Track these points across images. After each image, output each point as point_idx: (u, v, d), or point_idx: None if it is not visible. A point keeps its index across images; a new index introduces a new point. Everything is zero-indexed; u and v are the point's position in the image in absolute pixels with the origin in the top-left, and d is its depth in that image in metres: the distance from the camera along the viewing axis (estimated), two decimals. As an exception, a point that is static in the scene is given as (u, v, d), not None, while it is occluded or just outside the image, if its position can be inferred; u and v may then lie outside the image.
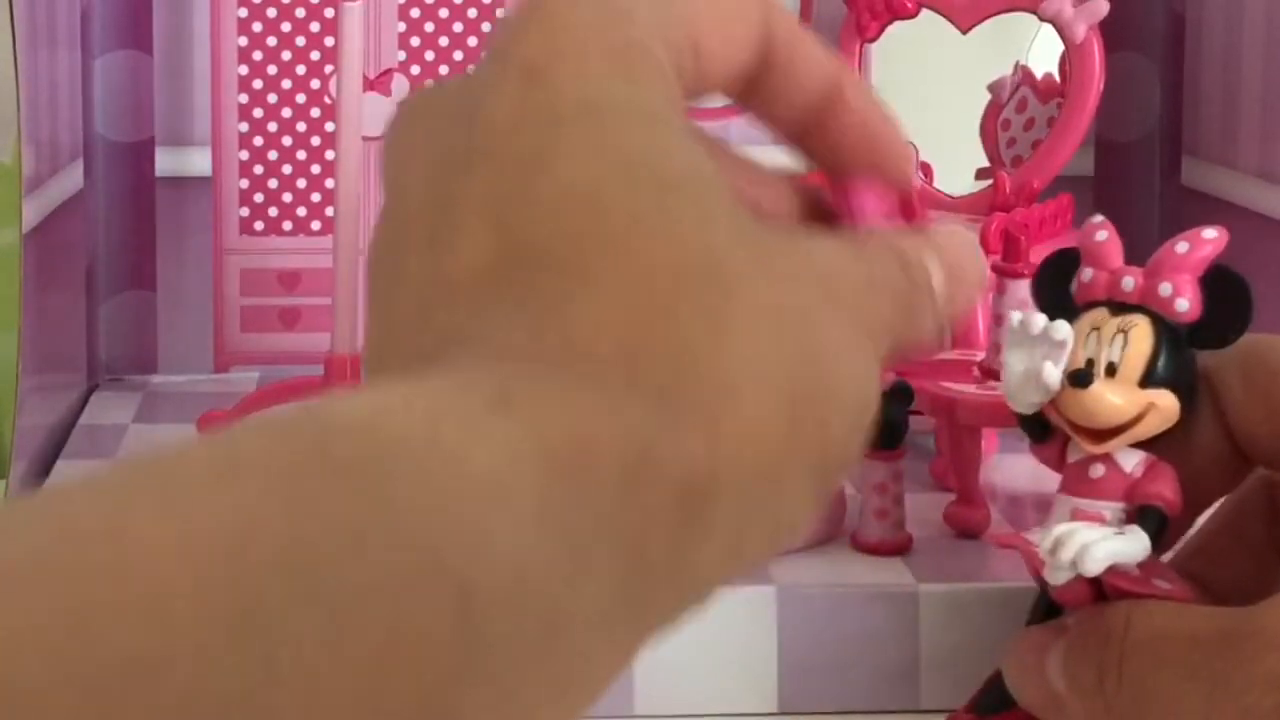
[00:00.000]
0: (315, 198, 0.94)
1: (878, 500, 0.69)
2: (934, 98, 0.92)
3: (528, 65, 0.34)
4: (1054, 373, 0.55)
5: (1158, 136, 0.96)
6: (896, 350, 0.37)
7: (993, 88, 0.90)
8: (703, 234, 0.33)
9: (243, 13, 0.93)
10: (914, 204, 0.42)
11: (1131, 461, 0.55)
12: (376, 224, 0.35)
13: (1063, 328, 0.55)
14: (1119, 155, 0.97)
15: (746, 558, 0.32)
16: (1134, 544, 0.54)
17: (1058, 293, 0.57)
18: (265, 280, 0.94)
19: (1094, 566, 0.52)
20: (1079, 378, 0.54)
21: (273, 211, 0.94)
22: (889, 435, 0.69)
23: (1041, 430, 0.57)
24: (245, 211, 0.94)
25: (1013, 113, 0.90)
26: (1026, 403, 0.56)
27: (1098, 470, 0.55)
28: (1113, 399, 0.54)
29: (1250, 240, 0.61)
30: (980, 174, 0.91)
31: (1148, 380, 0.54)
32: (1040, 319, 0.55)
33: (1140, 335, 0.55)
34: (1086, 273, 0.57)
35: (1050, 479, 0.70)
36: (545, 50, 0.34)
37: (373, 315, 0.34)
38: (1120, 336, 0.55)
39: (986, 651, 0.67)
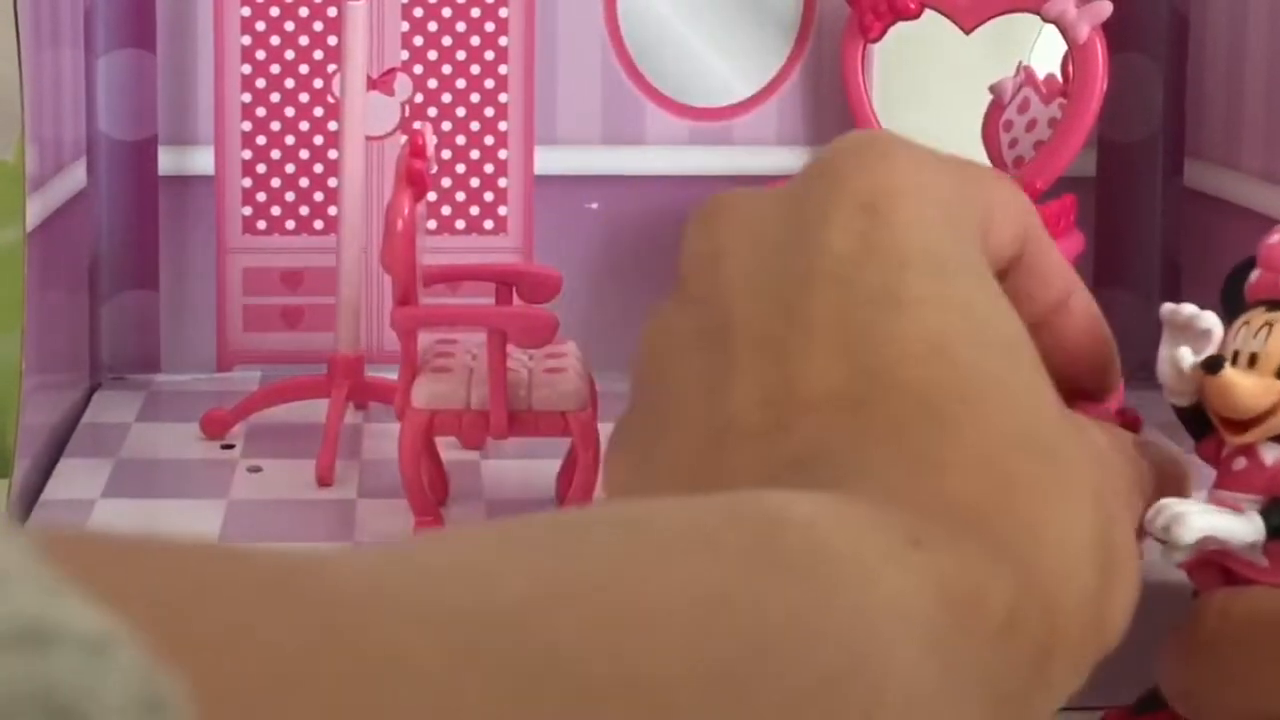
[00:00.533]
0: (318, 197, 0.94)
1: None
2: (936, 98, 0.92)
3: (866, 199, 0.36)
4: (1187, 355, 0.55)
5: (1161, 137, 0.96)
6: None
7: (994, 89, 0.90)
8: (1038, 400, 0.35)
9: (246, 11, 0.93)
10: (1135, 417, 0.46)
11: (1274, 455, 0.55)
12: (670, 308, 0.37)
13: (1208, 317, 0.56)
14: (1122, 156, 0.97)
15: (1071, 689, 0.35)
16: (1241, 524, 0.54)
17: (1235, 296, 0.58)
18: (268, 279, 0.94)
19: (1187, 535, 0.53)
20: (1211, 364, 0.54)
21: (275, 210, 0.94)
22: None
23: (1200, 427, 0.57)
24: (248, 210, 0.94)
25: (1015, 113, 0.90)
26: (1175, 391, 0.57)
27: (1240, 463, 0.55)
28: (1245, 384, 0.54)
29: (1253, 242, 0.61)
30: (983, 174, 0.90)
31: None
32: (1190, 308, 0.56)
33: None
34: (1254, 274, 0.58)
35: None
36: (884, 187, 0.36)
37: (665, 393, 0.35)
38: (1266, 329, 0.55)
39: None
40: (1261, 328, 0.55)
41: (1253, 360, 0.55)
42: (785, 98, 0.95)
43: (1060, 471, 0.35)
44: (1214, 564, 0.55)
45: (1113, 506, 0.37)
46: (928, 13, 0.91)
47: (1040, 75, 0.90)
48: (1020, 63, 0.90)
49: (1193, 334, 0.56)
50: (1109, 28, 0.86)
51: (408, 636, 0.22)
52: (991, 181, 0.41)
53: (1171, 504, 0.54)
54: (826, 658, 0.27)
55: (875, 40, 0.92)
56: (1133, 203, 0.97)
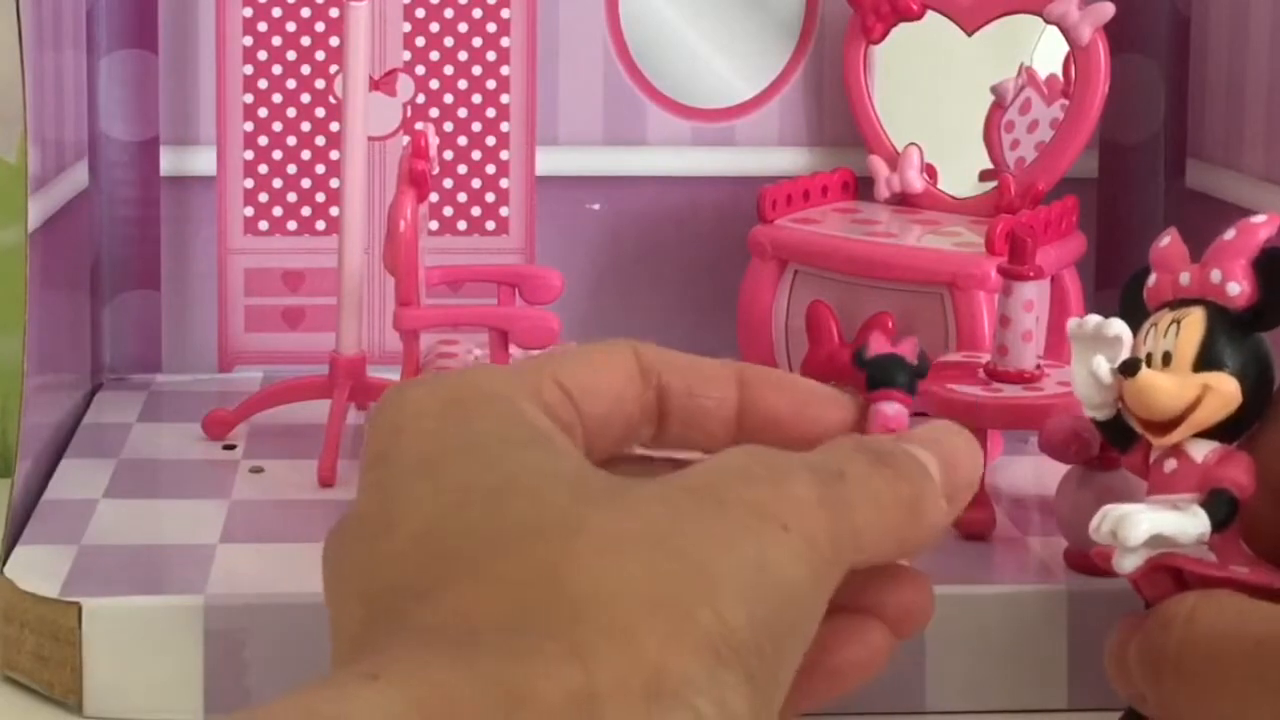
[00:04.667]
0: (320, 198, 0.94)
1: None
2: (939, 100, 0.92)
3: (376, 453, 0.40)
4: (1103, 364, 0.55)
5: (1162, 139, 0.96)
6: (904, 548, 0.41)
7: (996, 90, 0.90)
8: (539, 506, 0.36)
9: (248, 12, 0.93)
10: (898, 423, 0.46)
11: (1203, 452, 0.55)
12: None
13: (1115, 324, 0.56)
14: (1124, 157, 0.97)
15: None
16: (1186, 521, 0.53)
17: (1134, 305, 0.58)
18: (269, 280, 0.94)
19: (1135, 535, 0.52)
20: (1126, 367, 0.54)
21: (277, 211, 0.94)
22: (887, 376, 0.66)
23: (1124, 438, 0.57)
24: (250, 211, 0.94)
25: (1016, 114, 0.90)
26: (1094, 404, 0.57)
27: (1170, 465, 0.55)
28: (1162, 383, 0.54)
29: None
30: (984, 176, 0.91)
31: (1202, 364, 0.54)
32: (1095, 318, 0.56)
33: (1192, 323, 0.55)
34: (1151, 278, 0.57)
35: (1053, 481, 0.70)
36: (388, 435, 0.40)
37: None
38: (1174, 327, 0.55)
39: (992, 654, 0.67)
40: (1169, 326, 0.55)
41: (1166, 360, 0.55)
42: (787, 99, 0.95)
43: (581, 532, 0.35)
44: (1164, 570, 0.55)
45: (697, 534, 0.36)
46: (930, 14, 0.91)
47: (1042, 76, 0.90)
48: (1022, 64, 0.90)
49: (1103, 343, 0.56)
50: (1110, 29, 0.86)
51: None
52: (577, 353, 0.43)
53: (1115, 508, 0.54)
54: None
55: (877, 41, 0.92)
56: (1134, 204, 0.97)
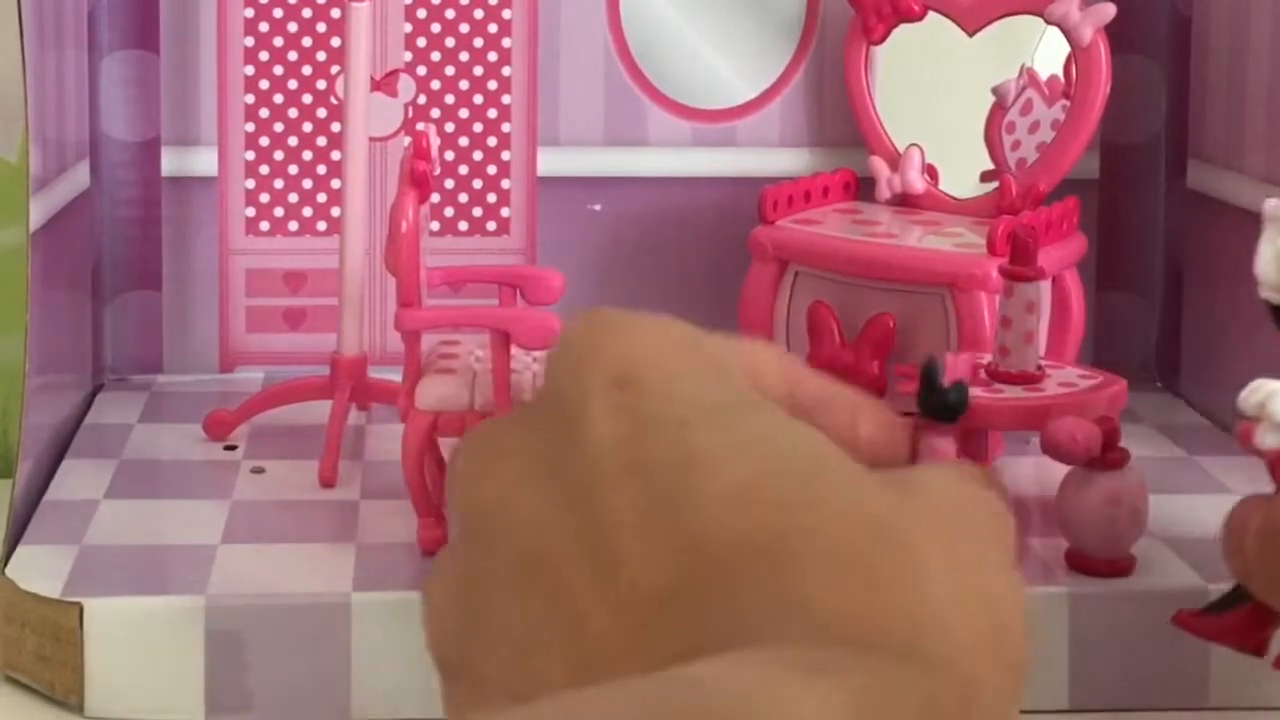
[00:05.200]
0: (321, 198, 0.94)
1: None
2: (940, 100, 0.92)
3: (617, 374, 0.35)
4: None
5: (1163, 140, 0.96)
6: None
7: (997, 91, 0.90)
8: (862, 504, 0.35)
9: (249, 13, 0.93)
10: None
11: None
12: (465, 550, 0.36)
13: None
14: (1125, 158, 0.97)
15: None
16: None
17: None
18: (271, 280, 0.94)
19: None
20: None
21: (278, 212, 0.94)
22: (951, 411, 0.67)
23: None
24: (251, 212, 0.94)
25: (1017, 115, 0.90)
26: (1273, 285, 0.57)
27: None
28: None
29: (1256, 244, 0.61)
30: (985, 177, 0.91)
31: None
32: None
33: None
34: None
35: (1054, 482, 0.70)
36: (630, 357, 0.35)
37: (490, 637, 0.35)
38: None
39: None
40: None
41: None
42: (788, 99, 0.95)
43: (919, 556, 0.34)
44: None
45: (972, 551, 0.36)
46: (931, 15, 0.91)
47: (1043, 77, 0.90)
48: (1023, 65, 0.90)
49: None
50: (1112, 30, 0.86)
51: None
52: (732, 337, 0.40)
53: (1266, 383, 0.54)
54: None
55: (878, 42, 0.92)
56: (1135, 205, 0.97)
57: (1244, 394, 0.55)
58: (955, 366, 0.66)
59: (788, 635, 0.32)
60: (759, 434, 0.35)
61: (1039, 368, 0.74)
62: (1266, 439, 0.55)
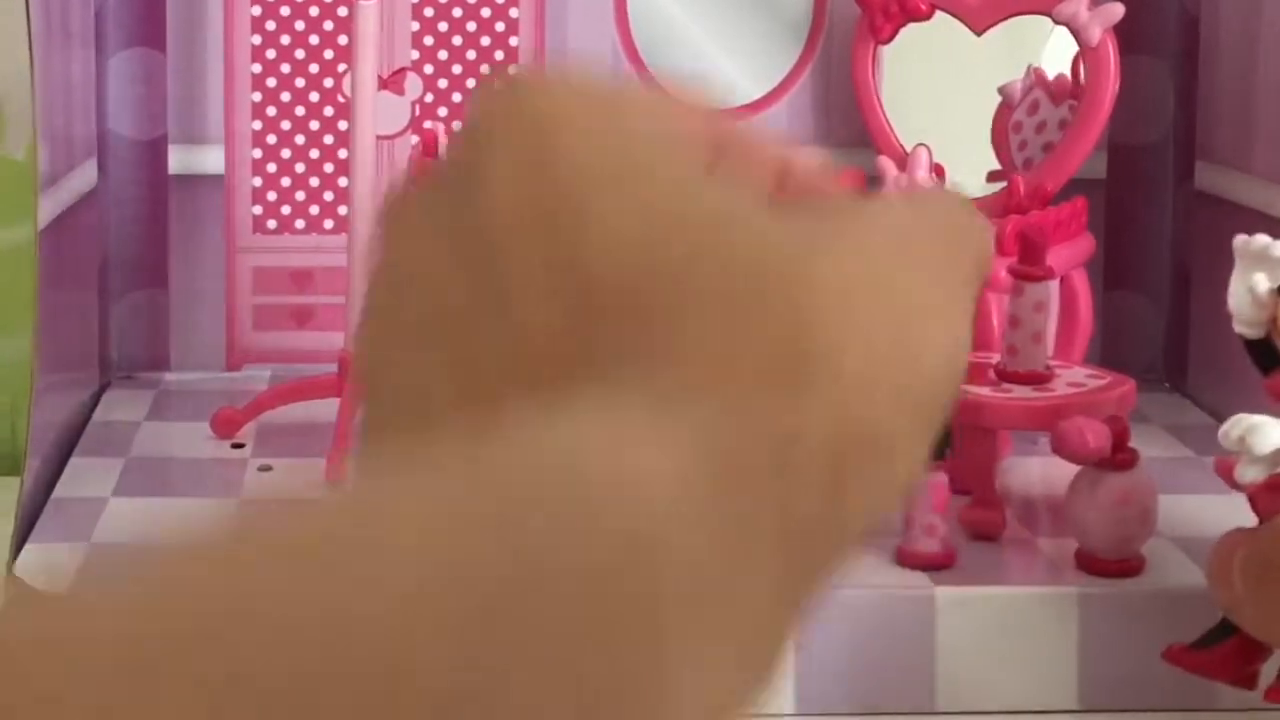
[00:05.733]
0: (328, 196, 0.94)
1: (927, 514, 0.69)
2: (947, 100, 0.92)
3: (522, 140, 0.35)
4: (1263, 282, 0.56)
5: (1171, 140, 0.96)
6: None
7: (1004, 91, 0.90)
8: (752, 237, 0.34)
9: (256, 11, 0.93)
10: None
11: None
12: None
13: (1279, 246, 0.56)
14: (1132, 158, 0.97)
15: (875, 513, 0.34)
16: None
17: None
18: (278, 278, 0.94)
19: (1264, 444, 0.53)
20: None
21: (285, 210, 0.94)
22: (938, 447, 0.68)
23: (1269, 359, 0.58)
24: (258, 210, 0.94)
25: (1024, 115, 0.90)
26: (1247, 320, 0.57)
27: None
28: None
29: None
30: (992, 177, 0.90)
31: None
32: (1263, 238, 0.57)
33: None
34: None
35: (1062, 482, 0.70)
36: (537, 124, 0.35)
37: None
38: None
39: (1002, 654, 0.67)
40: None
41: None
42: (795, 99, 0.95)
43: (813, 279, 0.33)
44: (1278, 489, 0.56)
45: (909, 292, 0.35)
46: (938, 14, 0.91)
47: (1050, 77, 0.90)
48: (1030, 65, 0.90)
49: (1266, 262, 0.57)
50: (1120, 30, 0.86)
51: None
52: (659, 89, 0.40)
53: (1249, 417, 0.55)
54: (585, 587, 0.27)
55: (886, 42, 0.92)
56: (1143, 205, 0.97)
57: (1224, 428, 0.55)
58: None
59: (653, 380, 0.32)
60: (665, 192, 0.35)
61: (1047, 367, 0.74)
62: (1247, 473, 0.55)
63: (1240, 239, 0.58)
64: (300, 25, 0.93)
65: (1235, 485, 0.57)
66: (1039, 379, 0.73)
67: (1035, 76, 0.90)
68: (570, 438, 0.30)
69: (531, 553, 0.27)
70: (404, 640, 0.24)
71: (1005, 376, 0.74)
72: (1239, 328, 0.58)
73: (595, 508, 0.28)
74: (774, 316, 0.33)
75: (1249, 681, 0.60)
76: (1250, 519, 0.60)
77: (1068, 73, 0.89)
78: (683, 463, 0.30)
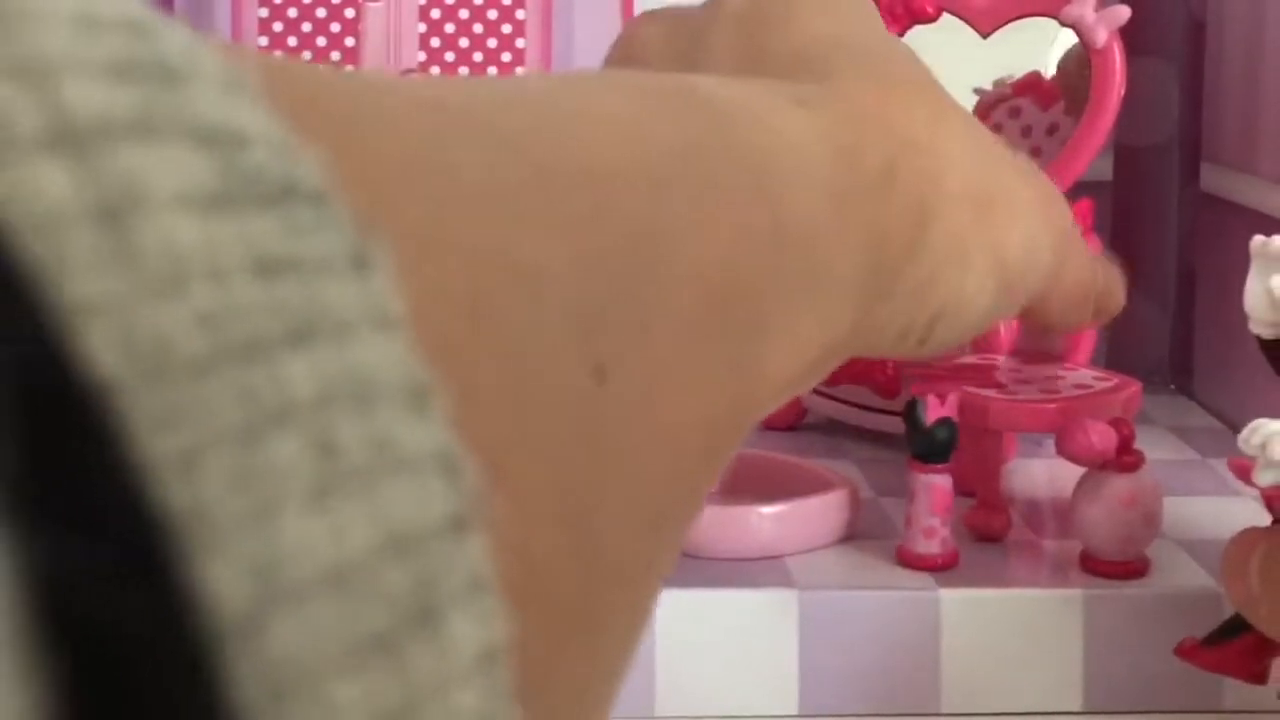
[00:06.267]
0: (334, 198, 0.94)
1: (927, 517, 0.69)
2: (953, 102, 0.92)
3: None
4: (1279, 283, 0.56)
5: (1177, 142, 0.96)
6: (1069, 320, 0.45)
7: (977, 104, 0.90)
8: (919, 71, 0.41)
9: (263, 12, 0.93)
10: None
11: None
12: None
13: None
14: (1138, 160, 0.97)
15: (935, 320, 0.38)
16: None
17: None
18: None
19: None
20: None
21: (292, 211, 0.94)
22: (941, 449, 0.68)
23: None
24: (265, 211, 0.94)
25: (1004, 118, 0.90)
26: (1263, 321, 0.57)
27: None
28: None
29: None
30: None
31: None
32: None
33: None
34: None
35: (1067, 484, 0.70)
36: None
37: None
38: None
39: (1007, 656, 0.67)
40: None
41: None
42: (801, 101, 0.95)
43: (952, 107, 0.40)
44: None
45: (1020, 178, 0.41)
46: (945, 16, 0.91)
47: (1033, 82, 0.90)
48: (998, 80, 0.90)
49: None
50: (1126, 32, 0.86)
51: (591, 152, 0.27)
52: None
53: (1267, 423, 0.55)
54: (734, 176, 0.31)
55: (892, 44, 0.92)
56: (1149, 207, 0.97)
57: (1245, 434, 0.56)
58: (936, 404, 0.67)
59: (799, 89, 0.37)
60: (853, 9, 0.41)
61: (1060, 356, 0.74)
62: (1265, 476, 0.56)
63: (1258, 240, 0.58)
64: (307, 27, 0.93)
65: (1250, 484, 0.57)
66: (1051, 359, 0.74)
67: (1013, 87, 0.90)
68: (731, 98, 0.34)
69: (698, 139, 0.31)
70: (612, 178, 0.27)
71: (1018, 355, 0.74)
72: (1255, 328, 0.58)
73: (741, 132, 0.32)
74: (914, 109, 0.38)
75: (1260, 677, 0.60)
76: (1259, 518, 0.60)
77: (1054, 74, 0.89)
78: (813, 138, 0.34)
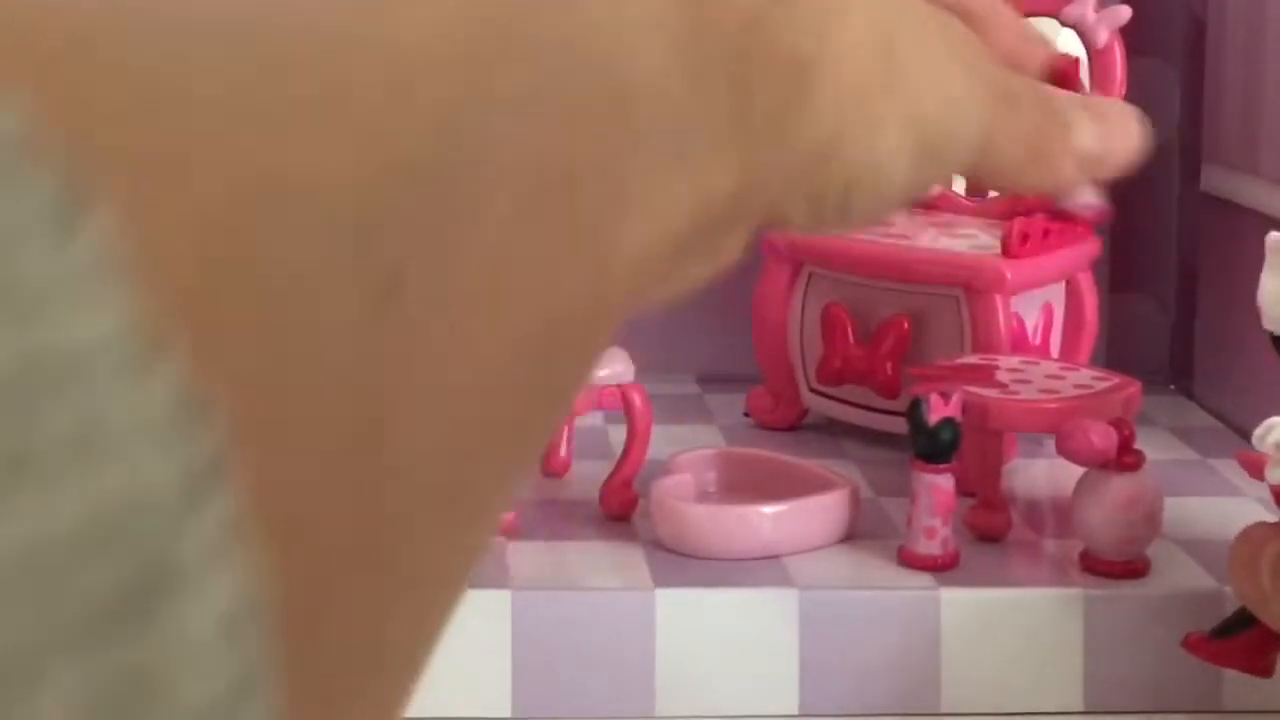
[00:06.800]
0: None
1: (929, 517, 0.69)
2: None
3: None
4: None
5: (1178, 142, 0.96)
6: (1024, 183, 0.40)
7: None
8: None
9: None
10: (1072, 77, 0.45)
11: None
12: None
13: None
14: (1139, 161, 0.97)
15: (850, 188, 0.35)
16: None
17: None
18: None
19: None
20: None
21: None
22: (944, 449, 0.68)
23: None
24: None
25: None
26: (1278, 318, 0.58)
27: None
28: None
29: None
30: (1000, 178, 0.91)
31: None
32: None
33: None
34: None
35: (1067, 484, 0.70)
36: None
37: None
38: None
39: (1007, 655, 0.67)
40: None
41: None
42: (802, 101, 0.95)
43: None
44: None
45: (939, 48, 0.37)
46: (945, 16, 0.91)
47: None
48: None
49: None
50: (1127, 32, 0.86)
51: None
52: None
53: None
54: (563, 45, 0.29)
55: (893, 44, 0.92)
56: (1149, 208, 0.97)
57: (1260, 431, 0.56)
58: (940, 405, 0.67)
59: None
60: None
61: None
62: (1277, 473, 0.56)
63: (1274, 236, 0.58)
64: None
65: (1258, 477, 0.58)
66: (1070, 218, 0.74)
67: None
68: None
69: (529, 13, 0.28)
70: (412, 61, 0.25)
71: (1056, 216, 0.74)
72: (1268, 324, 0.58)
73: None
74: None
75: (1266, 670, 0.60)
76: (1259, 518, 0.60)
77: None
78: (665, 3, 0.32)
